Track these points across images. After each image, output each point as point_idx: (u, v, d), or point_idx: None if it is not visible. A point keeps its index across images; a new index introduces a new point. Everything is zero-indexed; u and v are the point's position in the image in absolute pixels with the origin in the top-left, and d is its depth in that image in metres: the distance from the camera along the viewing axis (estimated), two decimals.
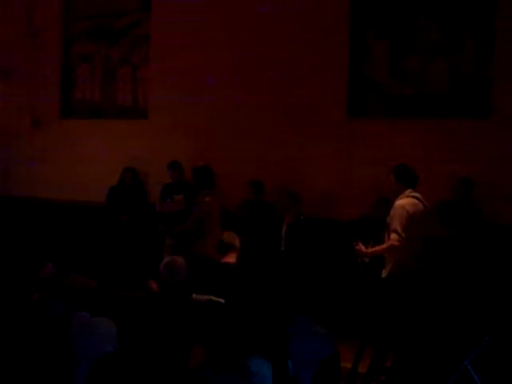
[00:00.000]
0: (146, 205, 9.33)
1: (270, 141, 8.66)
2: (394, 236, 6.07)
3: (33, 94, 10.72)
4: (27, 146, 10.75)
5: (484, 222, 7.28)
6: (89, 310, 4.64)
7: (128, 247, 8.45)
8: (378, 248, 6.26)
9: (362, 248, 6.31)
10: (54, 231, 9.40)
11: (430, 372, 5.84)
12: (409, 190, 6.25)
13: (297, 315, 4.65)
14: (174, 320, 4.54)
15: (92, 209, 9.60)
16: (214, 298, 5.08)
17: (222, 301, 5.07)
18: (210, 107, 9.12)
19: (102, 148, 9.86)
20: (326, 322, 4.86)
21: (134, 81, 10.07)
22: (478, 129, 7.57)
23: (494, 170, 7.39)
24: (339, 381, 4.96)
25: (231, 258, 5.87)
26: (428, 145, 7.73)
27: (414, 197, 6.23)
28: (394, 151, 7.77)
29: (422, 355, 6.02)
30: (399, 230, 6.04)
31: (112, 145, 9.82)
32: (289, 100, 8.59)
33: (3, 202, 10.70)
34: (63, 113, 10.66)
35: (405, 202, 6.17)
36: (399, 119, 8.02)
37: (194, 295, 5.10)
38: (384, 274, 6.21)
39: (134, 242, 8.70)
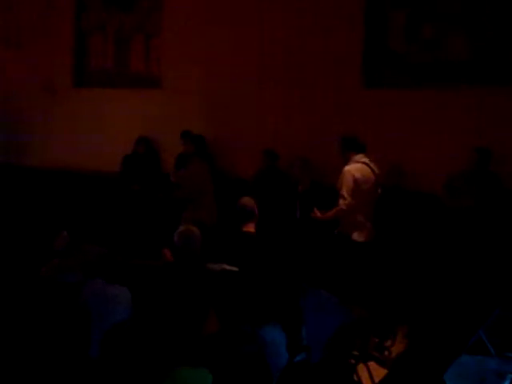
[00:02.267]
0: (160, 174, 9.33)
1: (285, 110, 8.61)
2: (341, 201, 6.44)
3: (46, 63, 10.68)
4: (41, 115, 10.75)
5: (503, 192, 7.20)
6: (103, 277, 4.67)
7: (141, 216, 8.46)
8: (328, 213, 6.59)
9: (318, 214, 6.63)
10: (67, 200, 9.42)
11: (444, 341, 5.85)
12: (358, 156, 6.56)
13: (310, 285, 4.66)
14: (188, 289, 4.56)
15: (106, 178, 9.61)
16: (227, 266, 5.09)
17: (236, 269, 5.08)
18: (223, 76, 9.07)
19: (116, 117, 9.85)
20: (340, 291, 4.86)
21: (147, 49, 10.01)
22: (498, 96, 7.47)
23: None
24: (352, 349, 4.98)
25: (251, 228, 5.83)
26: (446, 114, 7.66)
27: (363, 162, 6.52)
28: (410, 121, 7.74)
29: (437, 325, 6.03)
30: (345, 194, 6.40)
31: (126, 114, 9.80)
32: (304, 70, 8.52)
33: (17, 172, 10.73)
34: (77, 81, 10.63)
35: (351, 167, 6.50)
36: (413, 88, 7.94)
37: (209, 264, 5.11)
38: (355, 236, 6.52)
39: (147, 211, 8.70)
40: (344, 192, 6.41)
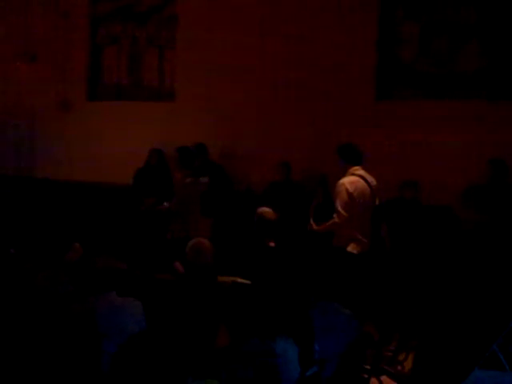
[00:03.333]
0: (172, 186, 9.33)
1: (298, 123, 8.61)
2: (335, 214, 6.40)
3: (60, 76, 10.74)
4: (54, 129, 10.80)
5: None
6: (116, 290, 4.67)
7: (154, 229, 8.46)
8: (323, 226, 6.63)
9: (314, 226, 6.75)
10: (80, 213, 9.45)
11: (456, 356, 5.80)
12: (353, 168, 6.49)
13: (322, 297, 4.64)
14: (199, 301, 4.55)
15: (118, 190, 9.64)
16: (240, 279, 5.08)
17: (248, 282, 5.07)
18: (236, 89, 9.08)
19: (129, 130, 9.88)
20: (352, 305, 4.84)
21: (160, 62, 10.06)
22: (510, 110, 7.44)
23: None
24: (364, 363, 4.95)
25: (270, 240, 5.82)
26: (460, 126, 7.63)
27: (358, 175, 6.45)
28: (423, 133, 7.72)
29: (449, 339, 5.98)
30: (339, 207, 6.35)
31: (139, 127, 9.82)
32: (316, 82, 8.52)
33: (30, 184, 10.78)
34: (90, 95, 10.69)
35: (345, 180, 6.44)
36: (428, 100, 7.93)
37: (220, 277, 5.10)
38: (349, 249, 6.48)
39: (158, 224, 8.70)
40: (338, 205, 6.37)
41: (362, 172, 6.53)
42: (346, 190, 6.37)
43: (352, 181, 6.45)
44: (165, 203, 8.42)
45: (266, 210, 6.06)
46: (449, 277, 6.79)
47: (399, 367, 5.75)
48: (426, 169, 7.72)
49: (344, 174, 6.52)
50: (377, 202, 6.71)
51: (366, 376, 5.07)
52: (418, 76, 8.03)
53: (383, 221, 7.21)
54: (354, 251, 6.50)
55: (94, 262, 5.02)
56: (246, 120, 9.03)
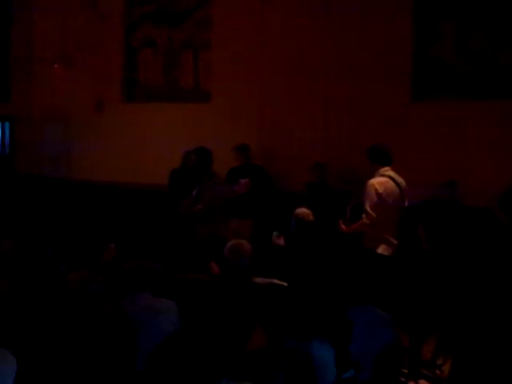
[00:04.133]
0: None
1: (334, 124, 8.55)
2: (363, 215, 6.41)
3: (97, 78, 10.83)
4: (91, 130, 10.88)
5: None
6: (151, 291, 4.66)
7: (188, 229, 8.47)
8: (352, 226, 6.62)
9: (342, 226, 6.70)
10: (116, 214, 9.50)
11: (498, 362, 5.69)
12: (383, 169, 6.51)
13: (359, 300, 4.58)
14: (234, 302, 4.52)
15: (154, 192, 9.66)
16: (277, 281, 5.04)
17: (285, 284, 5.03)
18: (272, 90, 9.06)
19: (165, 131, 9.92)
20: (389, 307, 4.77)
21: (196, 64, 10.08)
22: None
23: None
24: (401, 366, 4.87)
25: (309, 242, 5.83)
26: (499, 126, 7.51)
27: (387, 176, 6.48)
28: (460, 134, 7.61)
29: (490, 344, 5.87)
30: (368, 208, 6.35)
31: (174, 128, 9.86)
32: (353, 83, 8.46)
33: (67, 186, 10.87)
34: (126, 97, 10.75)
35: (375, 181, 6.46)
36: (465, 100, 7.81)
37: (258, 278, 5.07)
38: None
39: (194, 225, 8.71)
40: (367, 206, 6.39)
41: (391, 173, 6.55)
42: (375, 190, 6.40)
43: (381, 181, 6.47)
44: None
45: (304, 211, 6.03)
46: (488, 279, 6.68)
47: (438, 371, 5.66)
48: (464, 169, 7.62)
49: (373, 175, 6.53)
50: (406, 204, 6.70)
51: (403, 380, 4.99)
52: (455, 75, 7.93)
53: (420, 222, 7.15)
54: (386, 253, 6.46)
55: (129, 262, 5.02)
56: (282, 121, 9.00)
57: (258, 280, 5.05)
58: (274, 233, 6.26)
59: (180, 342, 3.48)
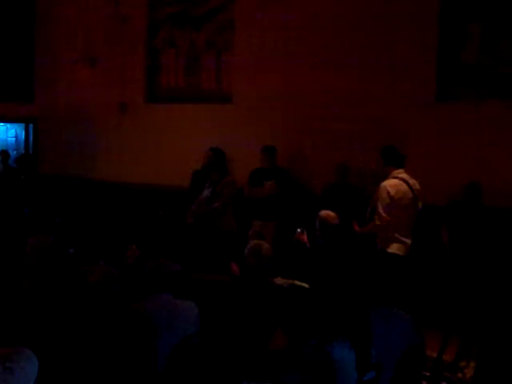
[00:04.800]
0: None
1: (358, 125, 8.49)
2: (376, 216, 6.49)
3: (119, 79, 10.88)
4: (114, 131, 10.94)
5: None
6: (172, 292, 4.66)
7: (208, 231, 8.48)
8: (365, 228, 6.69)
9: (356, 227, 6.77)
10: (138, 215, 9.54)
11: None
12: (396, 171, 6.59)
13: (381, 302, 4.55)
14: (254, 304, 4.52)
15: (176, 193, 9.69)
16: (298, 282, 5.03)
17: (306, 285, 5.01)
18: (295, 91, 9.03)
19: (187, 132, 9.94)
20: (411, 309, 4.74)
21: (218, 65, 10.08)
22: None
23: None
24: (423, 369, 4.84)
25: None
26: None
27: (400, 178, 6.53)
28: (485, 135, 7.55)
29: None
30: (380, 210, 6.44)
31: (196, 129, 9.88)
32: (377, 83, 8.40)
33: (90, 186, 10.94)
34: (149, 98, 10.79)
35: (387, 183, 6.53)
36: (490, 100, 7.73)
37: (279, 279, 5.06)
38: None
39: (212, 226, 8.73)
40: (379, 208, 6.44)
41: (404, 175, 6.59)
42: (388, 192, 6.45)
43: (394, 183, 6.52)
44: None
45: (329, 213, 6.02)
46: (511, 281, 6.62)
47: (460, 374, 5.61)
48: (489, 171, 7.54)
49: (387, 177, 6.59)
50: (420, 206, 6.72)
51: (425, 383, 4.97)
52: (480, 76, 7.84)
53: (443, 223, 7.11)
54: (399, 252, 6.47)
55: (150, 263, 5.03)
56: (304, 123, 8.97)
57: (279, 281, 5.04)
58: (298, 229, 6.27)
59: (200, 344, 3.47)
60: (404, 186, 6.53)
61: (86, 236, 7.12)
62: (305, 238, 6.24)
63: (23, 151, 12.38)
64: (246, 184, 8.68)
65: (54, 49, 11.79)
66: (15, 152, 12.41)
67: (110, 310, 4.15)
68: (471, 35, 7.91)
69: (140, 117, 10.64)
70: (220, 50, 10.06)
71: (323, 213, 6.11)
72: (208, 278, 5.55)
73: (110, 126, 10.98)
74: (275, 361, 3.68)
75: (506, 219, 7.21)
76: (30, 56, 12.07)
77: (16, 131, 12.85)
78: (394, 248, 6.51)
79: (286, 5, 9.14)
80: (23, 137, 12.52)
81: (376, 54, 8.38)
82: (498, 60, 7.71)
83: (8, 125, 12.86)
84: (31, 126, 12.34)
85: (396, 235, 6.50)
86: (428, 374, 5.06)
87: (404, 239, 6.53)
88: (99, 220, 9.15)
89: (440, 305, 6.92)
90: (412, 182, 6.60)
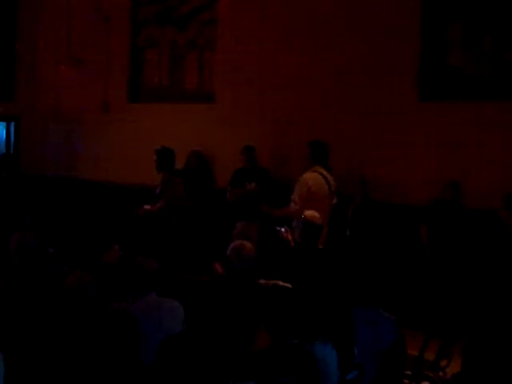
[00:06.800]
0: (212, 190, 9.33)
1: (339, 125, 8.52)
2: (292, 204, 7.04)
3: (102, 78, 10.85)
4: (96, 131, 10.90)
5: None
6: (156, 291, 4.67)
7: (193, 231, 8.48)
8: (277, 211, 7.40)
9: (265, 208, 7.66)
10: (119, 214, 9.52)
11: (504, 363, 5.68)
12: (317, 166, 7.18)
13: (362, 301, 4.58)
14: (238, 303, 4.53)
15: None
16: (281, 282, 5.05)
17: (289, 286, 5.03)
18: (276, 91, 9.05)
19: (170, 132, 9.91)
20: (392, 309, 4.77)
21: (200, 64, 10.08)
22: None
23: None
24: (404, 368, 4.87)
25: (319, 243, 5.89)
26: (505, 129, 7.48)
27: (319, 173, 7.13)
28: (467, 135, 7.61)
29: (496, 345, 5.86)
30: (297, 199, 6.99)
31: (179, 128, 9.86)
32: (359, 84, 8.43)
33: (72, 186, 10.90)
34: (131, 97, 10.77)
35: (308, 175, 7.14)
36: (472, 101, 7.78)
37: (262, 280, 5.08)
38: None
39: (199, 226, 8.72)
40: (296, 197, 6.99)
41: (323, 170, 7.18)
42: (307, 184, 7.02)
43: (314, 177, 7.12)
44: None
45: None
46: (490, 280, 6.68)
47: (441, 373, 5.66)
48: (469, 171, 7.60)
49: (307, 170, 7.18)
50: (334, 201, 7.31)
51: (406, 381, 5.00)
52: (462, 77, 7.89)
53: (423, 223, 7.15)
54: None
55: (133, 262, 5.04)
56: (285, 123, 8.99)
57: (262, 281, 5.06)
58: (282, 228, 6.31)
59: (184, 343, 3.48)
60: (322, 180, 7.07)
61: (68, 236, 7.10)
62: (289, 236, 6.28)
63: (4, 150, 12.29)
64: (228, 185, 8.68)
65: (36, 47, 11.75)
66: None
67: (86, 313, 4.14)
68: (454, 36, 7.96)
69: (123, 116, 10.61)
70: (203, 50, 10.06)
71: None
72: (192, 277, 5.57)
73: (92, 126, 10.94)
74: (258, 360, 3.70)
75: (486, 220, 7.27)
76: (12, 55, 12.01)
77: None
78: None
79: (270, 4, 9.15)
80: (4, 136, 12.44)
81: (360, 54, 8.41)
82: (479, 61, 7.78)
83: None
84: (12, 124, 12.26)
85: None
86: (410, 372, 5.10)
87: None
88: (81, 220, 9.12)
89: (420, 304, 6.97)
90: (330, 177, 7.16)
